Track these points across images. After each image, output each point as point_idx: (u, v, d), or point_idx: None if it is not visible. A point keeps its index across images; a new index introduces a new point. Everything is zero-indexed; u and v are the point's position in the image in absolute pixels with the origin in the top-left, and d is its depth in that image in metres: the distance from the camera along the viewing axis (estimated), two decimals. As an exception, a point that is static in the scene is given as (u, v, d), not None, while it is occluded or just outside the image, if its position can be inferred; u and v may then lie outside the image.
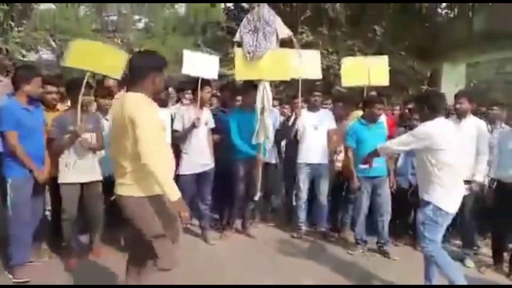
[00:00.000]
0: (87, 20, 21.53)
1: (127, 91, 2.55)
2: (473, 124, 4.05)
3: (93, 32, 20.21)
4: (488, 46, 8.72)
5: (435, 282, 3.17)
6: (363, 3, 8.69)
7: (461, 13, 9.89)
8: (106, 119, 3.99)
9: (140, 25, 22.78)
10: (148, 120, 2.28)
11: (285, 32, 4.36)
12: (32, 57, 13.82)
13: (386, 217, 4.17)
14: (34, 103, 3.42)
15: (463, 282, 2.95)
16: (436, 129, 2.99)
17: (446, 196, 2.97)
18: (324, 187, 4.58)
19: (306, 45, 7.18)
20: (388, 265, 3.99)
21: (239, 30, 4.34)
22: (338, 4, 8.28)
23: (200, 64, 4.23)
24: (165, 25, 21.64)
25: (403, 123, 4.76)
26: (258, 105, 4.17)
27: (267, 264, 3.90)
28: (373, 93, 4.88)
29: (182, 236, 4.18)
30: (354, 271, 3.78)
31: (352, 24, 8.74)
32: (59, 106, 3.98)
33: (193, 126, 4.11)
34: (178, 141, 4.25)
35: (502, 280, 3.77)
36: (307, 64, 4.48)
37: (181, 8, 21.22)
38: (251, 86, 4.39)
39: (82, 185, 3.61)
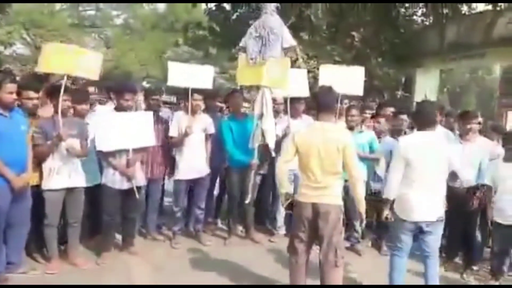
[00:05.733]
0: (63, 14, 20.93)
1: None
2: (442, 133, 4.29)
3: (69, 27, 19.67)
4: (458, 54, 9.14)
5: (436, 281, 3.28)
6: (345, 2, 8.89)
7: (436, 21, 10.29)
8: (87, 123, 3.95)
9: (119, 21, 22.38)
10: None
11: (289, 42, 4.36)
12: (7, 51, 13.38)
13: (356, 217, 4.26)
14: (13, 109, 3.26)
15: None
16: (399, 144, 3.25)
17: (398, 202, 3.16)
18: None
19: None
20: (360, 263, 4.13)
21: (244, 36, 4.35)
22: (320, 10, 8.48)
23: (189, 74, 4.20)
24: (144, 22, 21.31)
25: None
26: (257, 111, 4.22)
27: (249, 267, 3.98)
28: (346, 101, 5.03)
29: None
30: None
31: (332, 30, 8.98)
32: (40, 111, 3.90)
33: (185, 134, 4.17)
34: (173, 147, 4.35)
35: (453, 276, 4.02)
36: (294, 82, 4.48)
37: (160, 5, 20.96)
38: (236, 90, 4.46)
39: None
